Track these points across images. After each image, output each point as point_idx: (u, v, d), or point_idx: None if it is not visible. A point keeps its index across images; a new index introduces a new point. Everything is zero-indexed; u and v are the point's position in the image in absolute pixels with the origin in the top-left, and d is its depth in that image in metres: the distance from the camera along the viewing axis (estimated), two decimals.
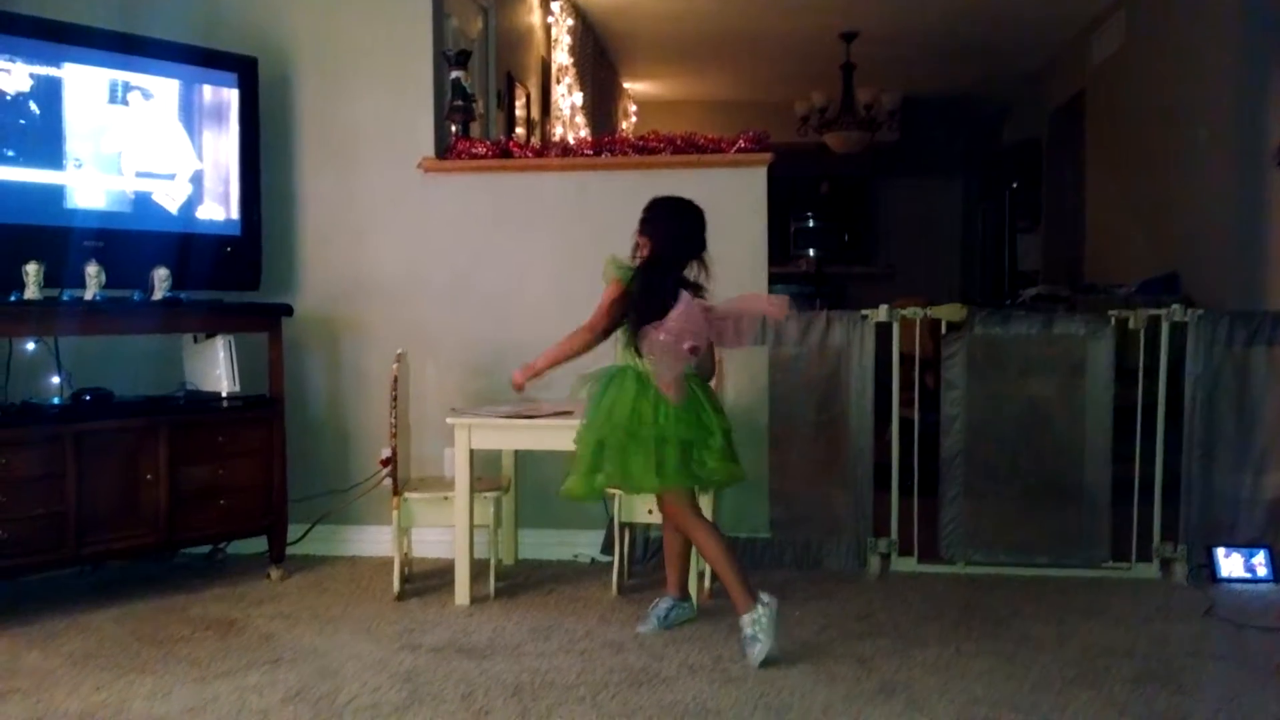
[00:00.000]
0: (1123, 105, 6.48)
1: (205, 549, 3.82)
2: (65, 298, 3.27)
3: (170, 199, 3.57)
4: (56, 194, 3.31)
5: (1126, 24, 6.44)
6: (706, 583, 3.37)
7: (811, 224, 10.39)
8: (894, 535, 3.67)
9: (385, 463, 3.56)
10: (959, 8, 6.94)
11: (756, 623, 2.75)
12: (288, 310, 3.70)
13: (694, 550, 3.17)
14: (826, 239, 10.31)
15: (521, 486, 3.81)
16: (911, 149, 9.88)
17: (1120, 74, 6.53)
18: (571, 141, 5.09)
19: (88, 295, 3.26)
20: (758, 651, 2.73)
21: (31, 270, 3.13)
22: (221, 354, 3.61)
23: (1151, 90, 5.97)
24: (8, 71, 3.17)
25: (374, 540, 3.87)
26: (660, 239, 2.95)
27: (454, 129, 3.98)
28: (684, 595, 3.14)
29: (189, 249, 3.55)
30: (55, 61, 3.27)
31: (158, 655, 2.86)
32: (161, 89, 3.53)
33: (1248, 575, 3.50)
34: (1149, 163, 5.99)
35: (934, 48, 7.99)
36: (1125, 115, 6.42)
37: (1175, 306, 3.60)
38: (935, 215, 10.52)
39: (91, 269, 3.26)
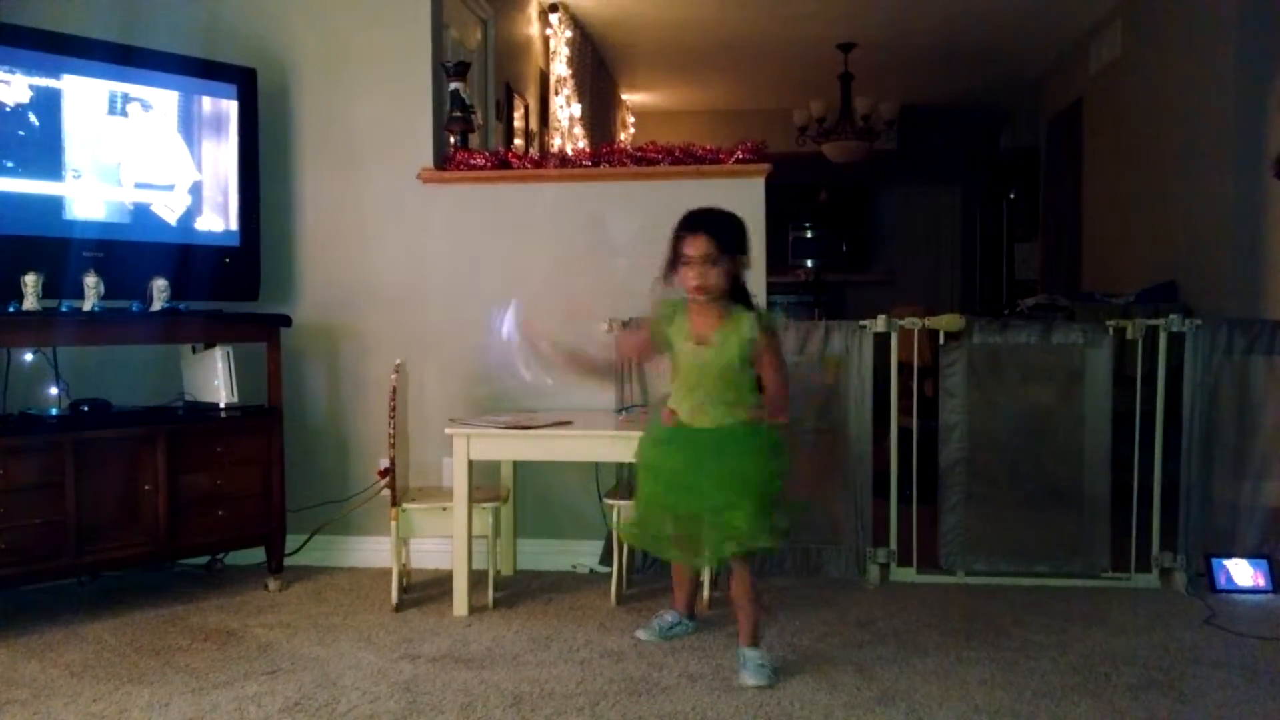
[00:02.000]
0: (1121, 113, 6.49)
1: (204, 559, 3.82)
2: (64, 308, 3.27)
3: (169, 210, 3.57)
4: (55, 205, 3.32)
5: (1124, 32, 6.46)
6: (706, 592, 3.37)
7: (810, 233, 10.41)
8: (893, 544, 3.67)
9: (383, 474, 3.56)
10: (956, 17, 6.96)
11: (764, 657, 2.74)
12: (286, 321, 3.71)
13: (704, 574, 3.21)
14: (825, 247, 10.32)
15: (520, 496, 3.81)
16: (909, 158, 9.90)
17: (1118, 82, 6.55)
18: (570, 152, 5.09)
19: (86, 306, 3.26)
20: (755, 681, 2.67)
21: (30, 281, 3.14)
22: (220, 364, 3.61)
23: (1149, 98, 5.99)
24: (7, 83, 3.18)
25: (372, 550, 3.87)
26: (742, 259, 2.80)
27: (453, 140, 3.99)
28: (691, 615, 3.12)
29: (188, 259, 3.56)
30: (55, 73, 3.28)
31: (156, 665, 2.86)
32: (161, 100, 3.53)
33: (1247, 584, 3.50)
34: (1147, 171, 6.00)
35: (931, 57, 8.01)
36: (1123, 123, 6.43)
37: (1173, 316, 3.60)
38: (933, 224, 10.53)
39: (90, 279, 3.26)
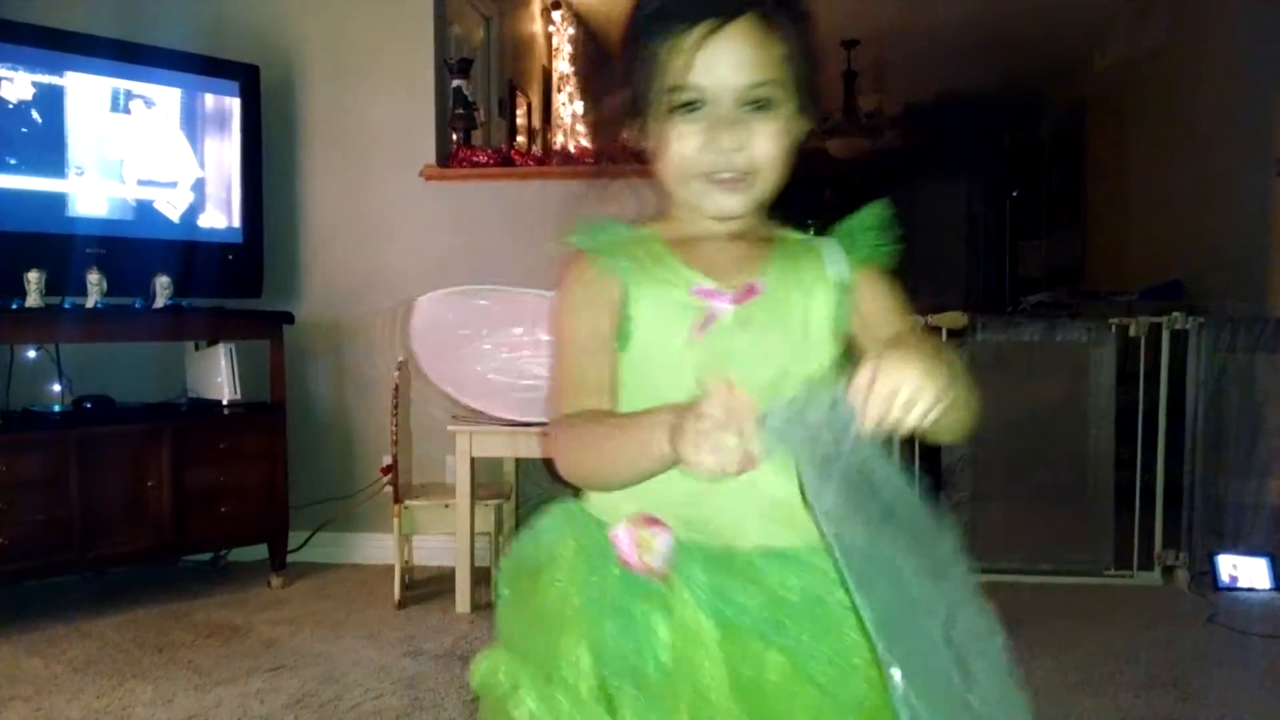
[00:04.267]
0: (1125, 113, 6.48)
1: (207, 555, 3.82)
2: (67, 305, 3.27)
3: (172, 206, 3.58)
4: (58, 202, 3.32)
5: (1126, 34, 6.44)
6: None
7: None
8: None
9: (386, 470, 3.56)
10: (961, 16, 6.94)
11: None
12: (289, 318, 3.70)
13: None
14: None
15: (523, 493, 3.80)
16: (913, 156, 9.88)
17: (1122, 82, 6.54)
18: (573, 150, 5.09)
19: (89, 302, 3.27)
20: None
21: (33, 278, 3.14)
22: (223, 361, 3.61)
23: (1154, 98, 5.98)
24: (10, 80, 3.18)
25: (376, 547, 3.86)
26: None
27: (456, 137, 3.99)
28: None
29: (191, 256, 3.56)
30: (58, 70, 3.28)
31: (159, 661, 2.86)
32: (163, 97, 3.53)
33: (1250, 583, 3.49)
34: (1152, 170, 5.99)
35: (937, 55, 7.99)
36: (1128, 123, 6.42)
37: (1176, 314, 3.60)
38: (937, 222, 10.51)
39: (93, 276, 3.26)
